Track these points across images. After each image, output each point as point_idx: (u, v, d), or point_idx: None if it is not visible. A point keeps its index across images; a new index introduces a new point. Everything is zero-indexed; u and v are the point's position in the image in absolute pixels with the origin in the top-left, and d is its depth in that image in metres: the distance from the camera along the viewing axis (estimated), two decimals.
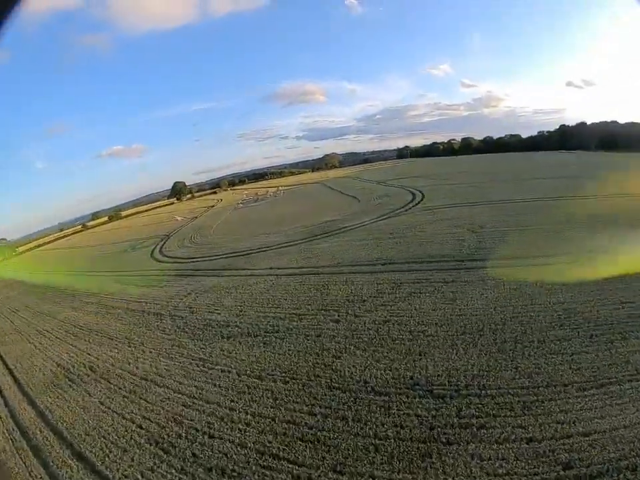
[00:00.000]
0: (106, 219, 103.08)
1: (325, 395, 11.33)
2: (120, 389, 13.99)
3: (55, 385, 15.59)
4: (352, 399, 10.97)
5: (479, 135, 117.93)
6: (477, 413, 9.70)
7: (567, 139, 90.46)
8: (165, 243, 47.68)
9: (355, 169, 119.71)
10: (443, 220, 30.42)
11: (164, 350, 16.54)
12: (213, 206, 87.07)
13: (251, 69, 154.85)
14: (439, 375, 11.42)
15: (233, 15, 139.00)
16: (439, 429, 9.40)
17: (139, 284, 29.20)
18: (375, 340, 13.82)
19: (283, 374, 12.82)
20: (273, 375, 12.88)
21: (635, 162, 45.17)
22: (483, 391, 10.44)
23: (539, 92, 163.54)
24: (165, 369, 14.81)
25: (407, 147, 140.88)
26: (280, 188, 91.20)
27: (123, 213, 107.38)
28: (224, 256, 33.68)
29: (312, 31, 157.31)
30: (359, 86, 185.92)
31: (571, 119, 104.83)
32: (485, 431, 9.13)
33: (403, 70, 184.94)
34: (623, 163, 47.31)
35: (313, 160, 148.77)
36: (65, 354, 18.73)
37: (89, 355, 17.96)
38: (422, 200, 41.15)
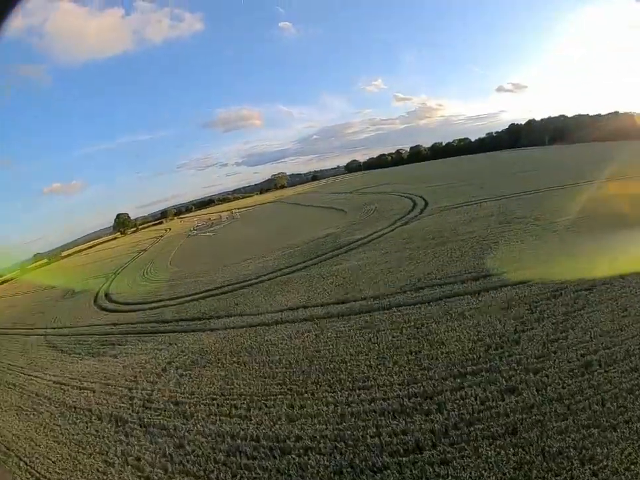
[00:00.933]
0: (45, 260, 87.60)
1: None
2: None
3: None
4: None
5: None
6: None
7: (518, 137, 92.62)
8: (111, 283, 36.91)
9: (310, 186, 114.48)
10: (479, 218, 24.61)
11: None
12: (162, 236, 75.73)
13: (188, 96, 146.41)
14: None
15: (169, 42, 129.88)
16: None
17: (80, 351, 19.45)
18: (620, 416, 6.68)
19: None
20: None
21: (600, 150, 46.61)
22: None
23: (470, 100, 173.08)
24: None
25: (354, 160, 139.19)
26: (234, 211, 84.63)
27: (63, 253, 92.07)
28: (197, 295, 24.63)
29: (247, 55, 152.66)
30: (295, 108, 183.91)
31: (507, 121, 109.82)
32: None
33: (338, 89, 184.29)
34: (592, 152, 47.89)
35: (253, 185, 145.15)
36: None
37: None
38: (427, 202, 35.41)
